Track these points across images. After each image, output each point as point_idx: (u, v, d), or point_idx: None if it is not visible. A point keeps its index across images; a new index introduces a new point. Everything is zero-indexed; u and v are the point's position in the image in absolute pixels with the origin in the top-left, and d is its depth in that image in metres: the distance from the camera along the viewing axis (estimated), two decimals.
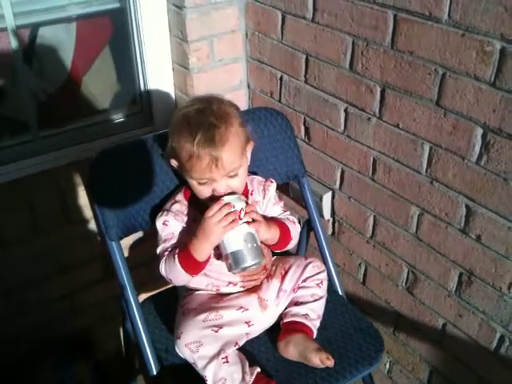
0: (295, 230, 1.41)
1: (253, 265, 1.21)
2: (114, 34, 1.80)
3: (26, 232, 1.65)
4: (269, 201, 1.41)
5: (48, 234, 1.68)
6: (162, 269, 1.28)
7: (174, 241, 1.29)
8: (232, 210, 1.20)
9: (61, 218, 1.68)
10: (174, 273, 1.25)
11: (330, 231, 1.78)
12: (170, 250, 1.28)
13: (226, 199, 1.20)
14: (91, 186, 1.38)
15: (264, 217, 1.30)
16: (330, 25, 1.48)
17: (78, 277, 1.80)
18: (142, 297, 1.54)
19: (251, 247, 1.20)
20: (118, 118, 1.80)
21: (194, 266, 1.24)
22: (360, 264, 1.73)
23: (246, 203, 1.24)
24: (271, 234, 1.31)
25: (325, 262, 1.58)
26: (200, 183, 1.25)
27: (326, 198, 1.70)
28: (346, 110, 1.54)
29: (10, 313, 1.73)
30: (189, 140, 1.18)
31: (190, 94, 1.74)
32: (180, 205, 1.32)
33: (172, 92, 1.81)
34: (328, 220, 1.77)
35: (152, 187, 1.40)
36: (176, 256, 1.23)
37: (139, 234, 1.79)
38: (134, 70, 1.77)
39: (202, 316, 1.27)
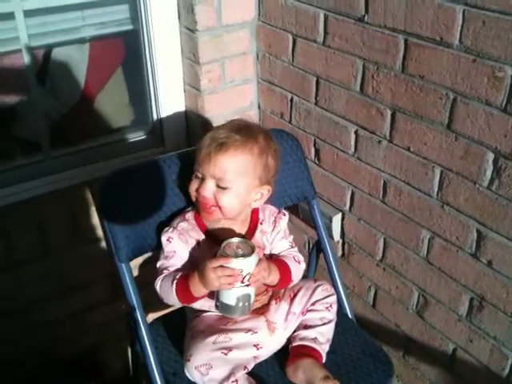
0: (298, 270, 1.38)
1: (239, 317, 1.28)
2: (127, 55, 1.82)
3: (36, 251, 1.65)
4: (278, 234, 1.39)
5: (57, 254, 1.68)
6: (157, 285, 1.28)
7: (173, 260, 1.29)
8: (236, 270, 1.17)
9: (71, 237, 1.69)
10: (167, 295, 1.26)
11: (339, 253, 1.78)
12: (168, 268, 1.28)
13: (235, 263, 1.17)
14: (101, 207, 1.39)
15: (267, 256, 1.32)
16: (341, 48, 1.48)
17: (86, 297, 1.80)
18: (151, 317, 1.54)
19: (242, 306, 1.22)
20: (130, 138, 1.81)
21: (188, 299, 1.25)
22: (370, 287, 1.72)
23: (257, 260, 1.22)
24: (270, 281, 1.29)
25: (334, 285, 1.56)
26: (195, 170, 1.27)
27: (336, 220, 1.70)
28: (356, 133, 1.55)
29: (17, 332, 1.73)
30: (209, 135, 1.26)
31: (201, 115, 1.75)
32: (187, 224, 1.32)
33: (183, 113, 1.82)
34: (338, 241, 1.76)
35: (162, 209, 1.41)
36: (175, 282, 1.23)
37: (149, 254, 1.79)
38: (145, 91, 1.78)
39: (212, 338, 1.27)
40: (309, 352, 1.32)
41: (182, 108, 1.81)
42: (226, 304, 1.22)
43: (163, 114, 1.79)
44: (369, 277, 1.71)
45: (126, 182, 1.40)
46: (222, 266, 1.17)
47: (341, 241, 1.76)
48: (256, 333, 1.32)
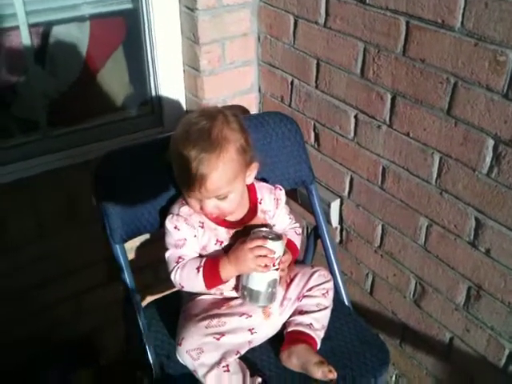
0: (299, 242, 1.41)
1: (264, 306, 1.27)
2: (127, 34, 1.79)
3: (32, 232, 1.65)
4: (281, 210, 1.39)
5: (54, 235, 1.68)
6: (176, 276, 1.26)
7: (186, 248, 1.27)
8: (271, 255, 1.20)
9: (67, 218, 1.68)
10: (192, 283, 1.25)
11: (337, 239, 1.76)
12: (183, 257, 1.26)
13: (270, 245, 1.20)
14: (96, 187, 1.36)
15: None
16: (342, 30, 1.45)
17: (83, 279, 1.79)
18: (147, 300, 1.53)
19: (270, 292, 1.24)
20: (129, 118, 1.80)
21: (216, 283, 1.25)
22: (367, 274, 1.70)
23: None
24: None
25: (331, 271, 1.55)
26: (189, 196, 1.23)
27: (334, 206, 1.68)
28: (356, 117, 1.52)
29: (14, 316, 1.73)
30: (182, 157, 1.17)
31: (200, 96, 1.73)
32: (188, 207, 1.29)
33: (183, 94, 1.80)
34: (336, 228, 1.74)
35: (158, 190, 1.38)
36: (201, 270, 1.23)
37: (146, 236, 1.78)
38: (145, 71, 1.76)
39: (205, 322, 1.25)
40: (303, 338, 1.31)
41: (181, 89, 1.79)
42: (255, 291, 1.23)
43: (162, 95, 1.78)
44: (366, 264, 1.69)
45: (122, 163, 1.37)
46: (257, 247, 1.19)
47: (339, 227, 1.74)
48: (250, 317, 1.30)
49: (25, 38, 1.58)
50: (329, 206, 1.67)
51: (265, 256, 1.20)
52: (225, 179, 1.18)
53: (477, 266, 1.35)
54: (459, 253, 1.38)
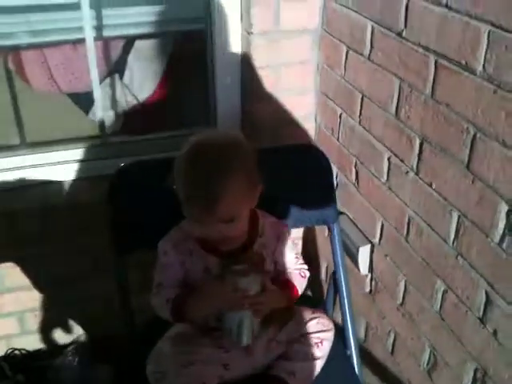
0: (303, 284, 1.32)
1: (239, 344, 1.19)
2: (200, 53, 1.85)
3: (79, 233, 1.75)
4: (282, 248, 1.30)
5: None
6: (151, 302, 1.25)
7: (168, 274, 1.25)
8: (246, 290, 1.15)
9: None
10: (163, 313, 1.23)
11: (367, 288, 1.62)
12: (162, 283, 1.24)
13: (243, 283, 1.15)
14: (109, 199, 1.37)
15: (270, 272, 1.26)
16: (383, 64, 1.35)
17: None
18: None
19: (241, 331, 1.17)
20: (187, 134, 1.83)
21: (181, 318, 1.22)
22: (390, 331, 1.54)
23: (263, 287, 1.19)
24: (275, 305, 1.23)
25: (344, 323, 1.44)
26: (195, 220, 1.18)
27: (364, 251, 1.55)
28: (389, 160, 1.40)
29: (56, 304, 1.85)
30: (189, 182, 1.12)
31: (255, 120, 1.72)
32: (181, 233, 1.26)
33: (239, 115, 1.80)
34: (366, 276, 1.61)
35: (167, 207, 1.38)
36: (170, 301, 1.20)
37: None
38: (208, 90, 1.79)
39: (178, 348, 1.22)
40: None
41: (238, 112, 1.79)
42: (227, 328, 1.18)
43: (220, 115, 1.79)
44: (390, 320, 1.53)
45: (136, 176, 1.39)
46: (228, 286, 1.15)
47: (369, 275, 1.60)
48: (228, 352, 1.24)
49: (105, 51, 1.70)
50: (357, 250, 1.55)
51: (236, 294, 1.14)
52: (233, 202, 1.12)
53: (484, 346, 1.16)
54: (468, 328, 1.20)
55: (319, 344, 1.28)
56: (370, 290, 1.61)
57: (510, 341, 1.09)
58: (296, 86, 1.70)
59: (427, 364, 1.39)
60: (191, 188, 1.11)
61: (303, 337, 1.28)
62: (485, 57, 1.03)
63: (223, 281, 1.17)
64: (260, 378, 1.26)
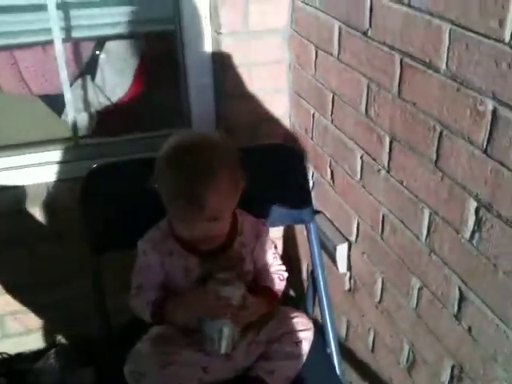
0: (282, 287, 1.33)
1: (217, 352, 1.19)
2: (170, 54, 1.84)
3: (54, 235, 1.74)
4: (260, 245, 1.30)
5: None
6: (131, 303, 1.26)
7: (147, 275, 1.25)
8: (228, 299, 1.16)
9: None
10: (142, 314, 1.24)
11: (346, 286, 1.62)
12: (142, 284, 1.25)
13: (226, 292, 1.16)
14: (82, 199, 1.38)
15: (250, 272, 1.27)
16: (350, 64, 1.35)
17: None
18: None
19: (220, 340, 1.17)
20: (161, 135, 1.83)
21: (161, 322, 1.23)
22: (369, 329, 1.55)
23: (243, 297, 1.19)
24: (257, 314, 1.24)
25: (323, 321, 1.44)
26: (180, 222, 1.18)
27: (341, 249, 1.55)
28: (361, 158, 1.40)
29: (35, 305, 1.83)
30: (174, 182, 1.12)
31: (229, 120, 1.71)
32: (160, 233, 1.27)
33: (213, 116, 1.79)
34: (345, 274, 1.61)
35: (141, 206, 1.37)
36: (150, 304, 1.21)
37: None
38: (181, 90, 1.79)
39: (157, 349, 1.22)
40: None
41: (212, 112, 1.78)
42: (207, 335, 1.18)
43: (194, 116, 1.78)
44: (369, 318, 1.54)
45: (109, 178, 1.39)
46: (210, 295, 1.16)
47: (348, 273, 1.60)
48: (208, 355, 1.24)
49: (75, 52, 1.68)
50: (335, 248, 1.55)
51: (218, 303, 1.15)
52: (219, 200, 1.13)
53: (459, 343, 1.17)
54: (444, 324, 1.20)
55: (299, 343, 1.28)
56: (350, 288, 1.62)
57: (485, 337, 1.09)
58: (269, 85, 1.70)
59: (406, 361, 1.39)
60: (177, 189, 1.11)
61: (283, 336, 1.27)
62: (447, 55, 1.03)
63: (206, 288, 1.18)
64: (239, 380, 1.26)
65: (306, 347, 1.29)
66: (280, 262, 1.34)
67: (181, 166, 1.11)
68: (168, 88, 1.83)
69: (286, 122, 1.77)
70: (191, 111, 1.79)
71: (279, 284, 1.32)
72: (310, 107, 1.61)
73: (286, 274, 1.34)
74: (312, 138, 1.63)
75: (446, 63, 1.04)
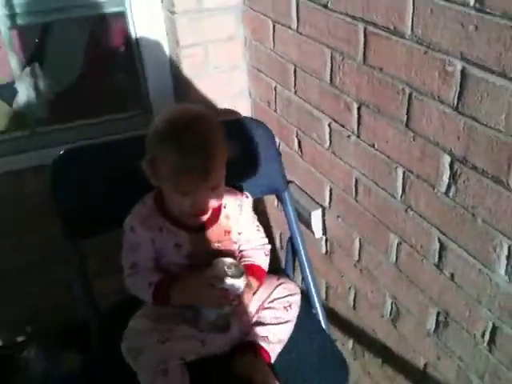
0: (267, 263, 1.36)
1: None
2: (123, 37, 1.81)
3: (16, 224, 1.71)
4: (245, 217, 1.34)
5: (37, 229, 1.71)
6: (128, 283, 1.26)
7: (140, 253, 1.25)
8: (229, 290, 1.18)
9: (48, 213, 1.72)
10: (142, 294, 1.24)
11: (323, 250, 1.69)
12: (137, 264, 1.25)
13: (230, 282, 1.17)
14: (52, 186, 1.36)
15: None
16: (312, 36, 1.38)
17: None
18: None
19: (220, 324, 1.21)
20: (121, 118, 1.82)
21: (164, 303, 1.23)
22: (350, 288, 1.62)
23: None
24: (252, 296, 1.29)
25: (306, 283, 1.49)
26: (183, 195, 1.18)
27: (316, 215, 1.60)
28: (330, 126, 1.44)
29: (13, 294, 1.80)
30: (179, 153, 1.12)
31: (187, 98, 1.71)
32: (147, 209, 1.27)
33: (172, 96, 1.79)
34: (321, 238, 1.67)
35: (117, 190, 1.36)
36: (153, 286, 1.22)
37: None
38: (137, 72, 1.77)
39: (154, 324, 1.23)
40: (256, 350, 1.27)
41: (170, 91, 1.78)
42: (207, 320, 1.20)
43: (153, 96, 1.78)
44: (348, 278, 1.61)
45: (79, 162, 1.38)
46: (213, 285, 1.17)
47: (324, 238, 1.66)
48: (204, 331, 1.28)
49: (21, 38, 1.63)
50: (309, 215, 1.60)
51: (222, 293, 1.17)
52: (222, 165, 1.18)
53: (443, 290, 1.25)
54: (426, 275, 1.28)
55: (288, 308, 1.32)
56: (326, 251, 1.68)
57: (468, 282, 1.17)
58: (226, 62, 1.71)
59: (390, 314, 1.47)
60: (183, 161, 1.12)
61: (272, 303, 1.32)
62: (412, 21, 1.08)
63: (211, 275, 1.19)
64: (236, 349, 1.30)
65: (295, 311, 1.34)
66: (263, 234, 1.37)
67: (183, 140, 1.12)
68: (124, 71, 1.81)
69: (246, 97, 1.78)
70: (149, 93, 1.78)
71: (266, 260, 1.35)
72: (271, 81, 1.63)
73: (269, 247, 1.37)
74: (276, 111, 1.67)
75: (412, 28, 1.08)
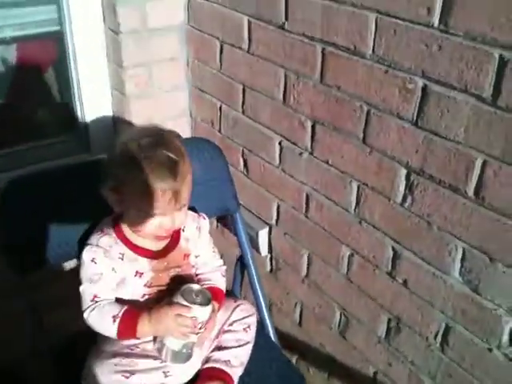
0: (225, 284, 1.35)
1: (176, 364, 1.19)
2: (56, 57, 1.76)
3: None
4: (203, 240, 1.32)
5: None
6: (89, 317, 1.18)
7: (101, 284, 1.18)
8: (195, 320, 1.15)
9: None
10: (104, 329, 1.18)
11: (268, 268, 1.71)
12: (97, 295, 1.18)
13: (196, 311, 1.14)
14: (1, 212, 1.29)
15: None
16: (264, 56, 1.43)
17: None
18: None
19: (185, 353, 1.17)
20: (55, 143, 1.75)
21: (130, 337, 1.18)
22: (296, 304, 1.65)
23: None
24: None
25: (257, 303, 1.50)
26: (152, 216, 1.15)
27: (263, 234, 1.63)
28: (280, 144, 1.49)
29: None
30: (153, 174, 1.10)
31: (128, 120, 1.69)
32: (108, 238, 1.21)
33: (110, 119, 1.75)
34: (266, 256, 1.70)
35: (68, 218, 1.31)
36: (118, 320, 1.15)
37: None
38: (71, 94, 1.72)
39: (115, 360, 1.18)
40: (219, 375, 1.25)
41: (109, 113, 1.75)
42: (171, 350, 1.16)
43: (89, 120, 1.73)
44: (295, 294, 1.64)
45: (27, 190, 1.29)
46: (182, 315, 1.13)
47: (269, 256, 1.69)
48: (165, 361, 1.24)
49: None
50: (257, 234, 1.63)
51: (191, 322, 1.14)
52: (189, 187, 1.16)
53: (395, 297, 1.32)
54: (378, 283, 1.35)
55: (247, 329, 1.32)
56: (271, 269, 1.71)
57: (421, 286, 1.25)
58: (168, 83, 1.71)
59: (339, 326, 1.52)
60: (157, 181, 1.10)
61: (232, 325, 1.32)
62: (374, 41, 1.16)
63: (176, 308, 1.15)
64: (198, 375, 1.27)
65: (253, 332, 1.34)
66: (218, 255, 1.36)
67: (155, 160, 1.10)
68: (60, 93, 1.75)
69: (187, 118, 1.79)
70: (84, 116, 1.73)
71: (223, 281, 1.33)
72: (216, 101, 1.66)
73: (224, 268, 1.36)
74: (220, 131, 1.69)
75: (373, 49, 1.17)
